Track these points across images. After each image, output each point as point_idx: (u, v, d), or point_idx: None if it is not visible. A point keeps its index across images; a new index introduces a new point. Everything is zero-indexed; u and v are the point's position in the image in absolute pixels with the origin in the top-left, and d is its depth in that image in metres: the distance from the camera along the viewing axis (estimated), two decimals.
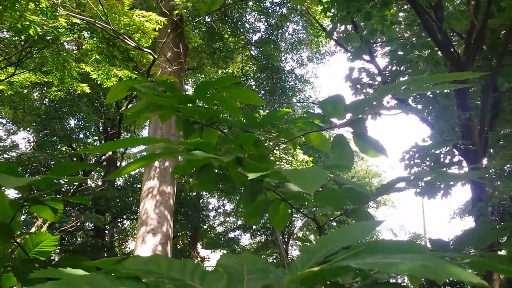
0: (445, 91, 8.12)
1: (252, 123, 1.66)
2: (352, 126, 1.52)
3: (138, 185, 16.00)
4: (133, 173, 18.30)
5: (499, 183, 8.48)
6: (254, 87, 16.11)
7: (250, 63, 16.73)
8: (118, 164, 16.20)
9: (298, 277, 0.48)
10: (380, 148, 1.50)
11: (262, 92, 15.78)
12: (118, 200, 15.22)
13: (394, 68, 8.77)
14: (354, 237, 0.53)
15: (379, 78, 9.05)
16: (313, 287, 0.65)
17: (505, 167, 8.20)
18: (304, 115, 1.60)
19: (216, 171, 1.44)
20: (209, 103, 1.55)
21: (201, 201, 19.09)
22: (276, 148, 12.86)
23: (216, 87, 1.56)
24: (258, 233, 20.12)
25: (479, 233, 1.64)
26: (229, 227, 21.84)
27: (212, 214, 21.17)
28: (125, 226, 19.27)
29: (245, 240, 21.37)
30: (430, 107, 8.81)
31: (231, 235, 20.98)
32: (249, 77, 16.64)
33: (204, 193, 18.94)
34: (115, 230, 18.02)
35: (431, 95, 8.87)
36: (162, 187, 8.87)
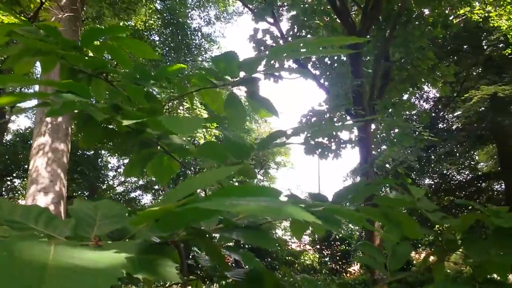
0: (342, 58, 8.55)
1: (145, 76, 1.62)
2: (245, 84, 1.56)
3: (30, 142, 14.91)
4: (23, 128, 16.92)
5: (385, 147, 9.26)
6: (158, 43, 15.53)
7: (155, 17, 16.04)
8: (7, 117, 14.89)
9: (140, 218, 0.49)
10: (271, 108, 1.57)
11: (167, 49, 15.29)
12: (6, 157, 14.10)
13: (296, 33, 8.99)
14: (209, 181, 0.57)
15: (282, 42, 9.23)
16: (176, 233, 0.68)
17: (391, 132, 8.95)
18: (198, 71, 1.60)
19: (103, 126, 1.40)
20: (98, 52, 1.49)
21: (99, 160, 18.35)
22: (180, 108, 12.71)
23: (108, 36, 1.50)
24: (161, 193, 19.95)
25: (355, 188, 1.81)
26: (129, 187, 21.33)
27: (111, 173, 20.47)
28: (15, 184, 17.97)
29: (147, 200, 21.09)
30: (328, 73, 9.24)
31: (132, 195, 20.55)
32: (153, 32, 15.99)
33: (103, 151, 18.20)
34: (3, 188, 16.76)
35: (328, 62, 9.28)
36: (55, 144, 8.36)
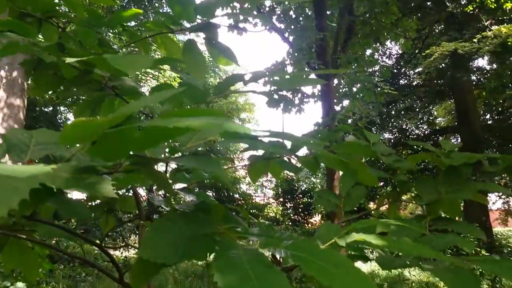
0: (307, 11, 8.44)
1: (97, 21, 1.54)
2: (203, 30, 1.50)
3: None
4: None
5: (347, 102, 9.37)
6: None
7: None
8: None
9: (69, 130, 0.46)
10: (231, 56, 1.52)
11: (126, 0, 14.65)
12: None
13: None
14: (149, 102, 0.55)
15: None
16: (119, 163, 0.66)
17: (353, 87, 9.05)
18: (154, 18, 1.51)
19: (53, 73, 1.33)
20: None
21: (58, 116, 17.79)
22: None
23: None
24: None
25: (314, 135, 1.82)
26: None
27: None
28: None
29: None
30: (292, 27, 9.13)
31: None
32: None
33: (62, 108, 17.64)
34: None
35: (293, 15, 9.16)
36: (10, 100, 8.05)
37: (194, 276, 8.87)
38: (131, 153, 0.66)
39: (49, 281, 7.05)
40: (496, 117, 19.58)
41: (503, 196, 20.67)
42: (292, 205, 20.06)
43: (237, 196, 20.15)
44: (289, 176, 22.35)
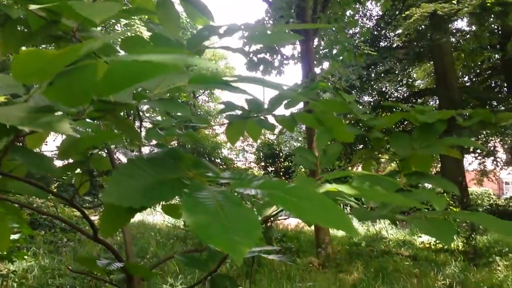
0: None
1: None
2: None
3: None
4: None
5: (327, 64, 9.31)
6: None
7: None
8: None
9: (19, 60, 0.44)
10: (208, 14, 1.48)
11: None
12: None
13: None
14: (109, 39, 0.53)
15: None
16: (83, 108, 0.64)
17: (333, 48, 8.96)
18: None
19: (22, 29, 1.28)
20: None
21: None
22: (117, 25, 12.00)
23: None
24: None
25: (290, 93, 1.80)
26: None
27: None
28: None
29: None
30: None
31: None
32: None
33: None
34: None
35: None
36: None
37: (176, 239, 8.98)
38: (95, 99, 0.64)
39: (30, 247, 7.05)
40: (474, 79, 19.83)
41: (479, 157, 21.20)
42: (273, 169, 20.27)
43: (218, 161, 20.22)
44: (270, 140, 22.45)
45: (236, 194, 0.61)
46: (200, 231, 0.49)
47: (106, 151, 1.39)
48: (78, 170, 1.39)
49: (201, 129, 27.58)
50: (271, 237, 8.06)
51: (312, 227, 8.51)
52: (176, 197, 0.58)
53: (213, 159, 19.90)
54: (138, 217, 14.76)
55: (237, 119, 1.63)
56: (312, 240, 8.54)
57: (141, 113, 1.30)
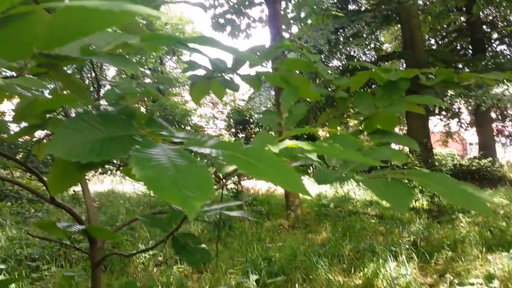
0: None
1: None
2: None
3: None
4: None
5: (296, 28, 9.21)
6: None
7: None
8: None
9: None
10: None
11: None
12: None
13: None
14: None
15: None
16: (25, 64, 0.60)
17: (300, 11, 8.86)
18: None
19: None
20: None
21: None
22: None
23: None
24: None
25: (255, 51, 1.76)
26: None
27: None
28: None
29: None
30: None
31: None
32: None
33: None
34: None
35: None
36: None
37: (146, 206, 8.97)
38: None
39: None
40: (440, 42, 20.11)
41: (444, 119, 21.80)
42: (244, 135, 20.30)
43: (188, 128, 20.07)
44: (240, 107, 22.35)
45: (190, 152, 0.60)
46: (151, 184, 0.48)
47: (64, 114, 1.34)
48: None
49: (170, 97, 27.16)
50: (241, 200, 8.15)
51: (282, 191, 8.65)
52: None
53: (183, 126, 19.74)
54: (107, 186, 14.64)
55: (200, 79, 1.60)
56: (283, 203, 8.69)
57: (105, 77, 1.26)
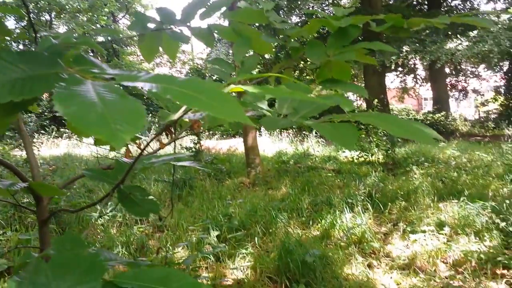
0: None
1: None
2: None
3: None
4: None
5: None
6: None
7: None
8: None
9: None
10: None
11: None
12: None
13: None
14: None
15: None
16: None
17: None
18: None
19: None
20: None
21: None
22: None
23: None
24: None
25: (204, 3, 1.69)
26: None
27: None
28: None
29: None
30: None
31: None
32: None
33: None
34: None
35: None
36: None
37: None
38: None
39: None
40: None
41: (400, 75, 22.25)
42: None
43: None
44: (199, 65, 21.95)
45: (121, 87, 0.57)
46: (76, 121, 0.45)
47: None
48: None
49: (125, 56, 26.26)
50: (201, 159, 8.14)
51: (243, 150, 8.68)
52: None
53: (135, 93, 19.26)
54: (63, 149, 14.24)
55: (148, 31, 1.54)
56: (243, 161, 8.74)
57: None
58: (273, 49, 1.68)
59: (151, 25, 1.51)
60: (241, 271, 3.81)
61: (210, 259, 3.95)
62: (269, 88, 0.96)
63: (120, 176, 1.08)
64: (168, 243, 4.42)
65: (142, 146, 1.12)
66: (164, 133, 1.26)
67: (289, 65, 1.72)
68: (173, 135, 1.33)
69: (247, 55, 1.61)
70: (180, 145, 10.49)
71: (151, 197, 1.18)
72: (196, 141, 8.42)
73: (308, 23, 1.50)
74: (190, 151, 8.23)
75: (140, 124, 0.48)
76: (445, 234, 4.31)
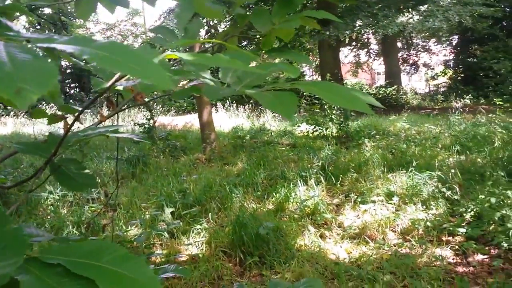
0: None
1: None
2: None
3: None
4: None
5: None
6: None
7: None
8: None
9: None
10: None
11: None
12: None
13: None
14: None
15: None
16: None
17: None
18: None
19: None
20: None
21: None
22: None
23: None
24: None
25: None
26: None
27: None
28: None
29: None
30: None
31: None
32: None
33: None
34: None
35: None
36: None
37: None
38: None
39: None
40: None
41: (354, 50, 22.56)
42: None
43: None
44: (149, 37, 21.21)
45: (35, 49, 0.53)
46: None
47: None
48: None
49: (74, 29, 25.11)
50: (154, 136, 7.98)
51: (199, 126, 8.58)
52: None
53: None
54: (10, 128, 13.62)
55: None
56: (199, 137, 8.65)
57: None
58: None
59: None
60: (196, 246, 3.79)
61: (164, 236, 3.90)
62: (206, 56, 0.93)
63: (52, 148, 1.01)
64: (121, 221, 4.33)
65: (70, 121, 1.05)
66: (106, 106, 1.20)
67: (235, 33, 1.67)
68: (114, 106, 1.26)
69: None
70: (132, 121, 10.25)
71: (87, 170, 1.12)
72: (149, 117, 8.21)
73: None
74: (143, 127, 8.04)
75: (50, 84, 0.47)
76: (394, 203, 4.45)
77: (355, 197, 4.80)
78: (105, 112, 1.22)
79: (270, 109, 0.87)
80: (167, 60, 1.01)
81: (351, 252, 3.62)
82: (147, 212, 4.50)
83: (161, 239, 3.89)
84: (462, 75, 20.13)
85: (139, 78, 0.51)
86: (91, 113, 13.70)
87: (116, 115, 1.27)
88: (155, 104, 14.33)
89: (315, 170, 5.67)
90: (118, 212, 4.64)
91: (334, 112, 8.89)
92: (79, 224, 4.28)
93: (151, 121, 8.12)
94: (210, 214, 4.41)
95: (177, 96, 1.37)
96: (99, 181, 5.88)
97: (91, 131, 1.21)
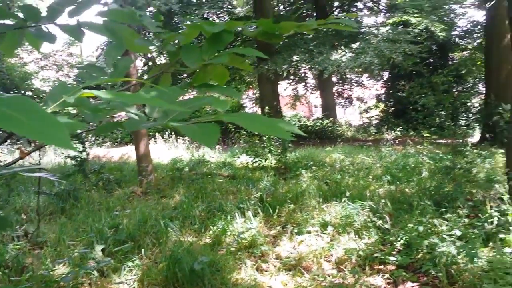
0: None
1: None
2: None
3: None
4: None
5: None
6: None
7: None
8: None
9: None
10: None
11: None
12: None
13: None
14: None
15: None
16: None
17: None
18: None
19: None
20: None
21: None
22: None
23: None
24: None
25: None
26: None
27: None
28: None
29: None
30: None
31: None
32: None
33: None
34: None
35: None
36: None
37: None
38: None
39: None
40: (288, 8, 21.15)
41: (292, 83, 23.25)
42: None
43: (30, 94, 18.13)
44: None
45: None
46: None
47: None
48: None
49: (6, 59, 23.98)
50: (85, 169, 7.69)
51: (135, 158, 8.37)
52: None
53: (23, 92, 17.75)
54: None
55: (9, 30, 1.41)
56: (136, 169, 8.43)
57: None
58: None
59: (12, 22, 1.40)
60: (128, 285, 3.63)
61: (93, 275, 3.71)
62: (125, 95, 0.95)
63: None
64: (48, 259, 4.07)
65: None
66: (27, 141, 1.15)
67: (167, 69, 1.68)
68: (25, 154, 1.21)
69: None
70: (63, 153, 9.81)
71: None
72: (81, 149, 7.89)
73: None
74: (75, 160, 7.71)
75: None
76: (329, 233, 4.54)
77: (292, 228, 4.84)
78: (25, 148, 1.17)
79: (193, 139, 0.91)
80: (86, 97, 1.00)
81: (286, 284, 3.62)
82: (75, 250, 4.27)
83: (90, 278, 3.69)
84: (393, 108, 21.25)
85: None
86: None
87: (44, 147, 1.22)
88: (89, 135, 13.84)
89: (253, 202, 5.68)
90: (44, 250, 4.37)
91: (272, 143, 9.04)
92: (1, 264, 3.98)
93: (84, 153, 7.81)
94: (143, 250, 4.26)
95: (100, 131, 1.34)
96: (25, 217, 5.53)
97: (6, 170, 1.15)
